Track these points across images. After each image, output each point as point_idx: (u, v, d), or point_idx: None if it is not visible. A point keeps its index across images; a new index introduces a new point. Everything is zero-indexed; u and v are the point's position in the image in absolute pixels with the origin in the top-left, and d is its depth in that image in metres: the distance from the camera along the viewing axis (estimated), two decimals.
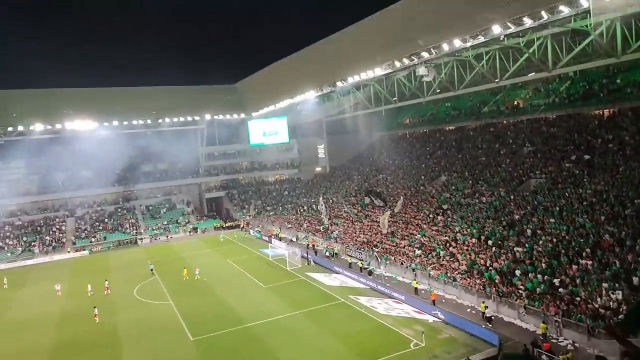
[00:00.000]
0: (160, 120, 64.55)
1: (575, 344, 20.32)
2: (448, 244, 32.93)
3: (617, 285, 21.09)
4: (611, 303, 20.52)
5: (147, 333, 27.24)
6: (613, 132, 33.81)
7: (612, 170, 29.81)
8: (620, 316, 19.37)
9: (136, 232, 61.81)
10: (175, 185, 72.69)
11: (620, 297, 20.48)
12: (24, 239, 57.85)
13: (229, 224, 65.67)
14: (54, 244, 57.63)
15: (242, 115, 69.27)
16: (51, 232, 60.10)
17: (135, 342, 26.05)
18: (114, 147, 61.60)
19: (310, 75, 48.91)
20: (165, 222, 65.03)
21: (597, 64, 30.28)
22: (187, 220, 66.35)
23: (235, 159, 77.14)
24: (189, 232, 63.15)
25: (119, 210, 66.70)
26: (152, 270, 41.31)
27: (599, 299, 21.05)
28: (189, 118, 66.17)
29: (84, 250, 56.50)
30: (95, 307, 30.59)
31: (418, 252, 34.14)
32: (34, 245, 56.34)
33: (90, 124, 59.36)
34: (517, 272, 26.00)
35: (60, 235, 59.81)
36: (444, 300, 28.01)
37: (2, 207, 61.28)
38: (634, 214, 25.01)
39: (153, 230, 62.86)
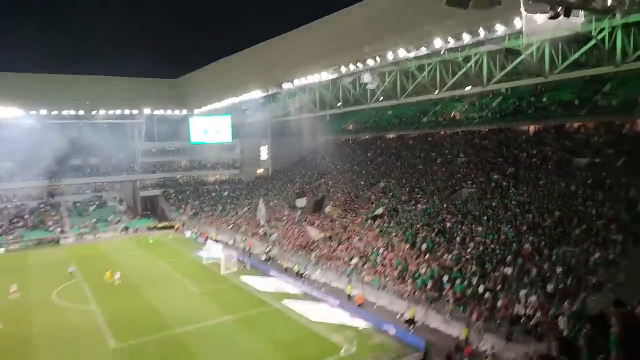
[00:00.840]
0: (94, 112, 60.80)
1: (494, 349, 21.19)
2: (383, 250, 33.46)
3: (534, 292, 22.29)
4: (526, 309, 21.66)
5: (64, 340, 25.26)
6: (537, 147, 36.00)
7: (535, 183, 31.67)
8: None
9: (60, 230, 57.74)
10: (108, 181, 68.79)
11: (535, 302, 21.68)
12: None
13: (163, 224, 63.04)
14: None
15: (184, 112, 66.86)
16: None
17: (50, 351, 24.12)
18: (40, 138, 57.27)
19: (256, 75, 48.17)
20: (94, 221, 61.25)
21: (527, 82, 32.16)
22: (118, 219, 62.94)
23: (174, 156, 74.28)
24: (120, 231, 59.93)
25: (42, 205, 62.06)
26: (71, 273, 38.14)
27: (516, 305, 22.13)
28: (126, 111, 62.71)
29: (0, 248, 51.99)
30: None
31: (355, 260, 34.39)
32: None
33: (14, 112, 54.73)
34: (445, 278, 26.83)
35: None
36: (375, 307, 28.35)
37: None
38: (552, 225, 26.64)
39: (79, 228, 58.93)
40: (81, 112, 59.78)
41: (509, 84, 34.54)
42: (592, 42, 25.83)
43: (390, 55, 31.78)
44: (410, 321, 24.92)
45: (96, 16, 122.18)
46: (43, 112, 56.64)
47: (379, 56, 32.89)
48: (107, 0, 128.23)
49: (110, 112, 61.40)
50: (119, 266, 40.44)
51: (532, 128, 39.12)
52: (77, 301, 31.99)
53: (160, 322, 27.41)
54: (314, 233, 39.27)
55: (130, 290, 34.23)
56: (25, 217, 59.03)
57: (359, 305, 28.21)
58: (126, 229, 60.56)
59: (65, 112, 58.54)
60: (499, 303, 22.91)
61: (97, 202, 66.02)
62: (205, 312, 28.81)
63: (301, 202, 48.63)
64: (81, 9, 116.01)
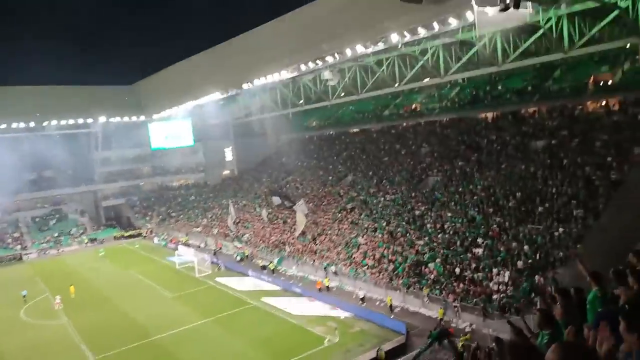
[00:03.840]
0: (45, 123, 58.24)
1: (472, 326, 22.26)
2: (357, 241, 34.16)
3: (504, 269, 23.54)
4: (499, 286, 22.87)
5: (39, 358, 24.49)
6: (496, 133, 37.68)
7: (497, 167, 33.21)
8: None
9: (20, 247, 55.20)
10: (67, 194, 66.14)
11: (506, 279, 22.91)
12: None
13: (130, 232, 61.46)
14: None
15: (142, 118, 65.11)
16: None
17: None
18: None
19: (215, 77, 47.62)
20: (56, 234, 58.89)
21: (482, 72, 33.80)
22: (81, 231, 60.78)
23: (135, 164, 72.36)
24: (85, 243, 57.91)
25: None
26: (24, 297, 34.84)
27: (490, 283, 23.30)
28: (80, 120, 60.47)
29: None
30: None
31: (329, 252, 34.92)
32: None
33: None
34: (421, 264, 27.80)
35: None
36: (354, 296, 28.99)
37: None
38: (516, 205, 28.10)
39: (41, 244, 56.53)
40: (32, 124, 57.11)
41: (465, 74, 36.09)
42: (541, 31, 27.44)
43: (348, 52, 32.47)
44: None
45: (40, 24, 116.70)
46: None
47: (337, 53, 33.51)
48: (52, 6, 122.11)
49: (63, 122, 58.96)
50: (86, 278, 39.35)
51: (490, 115, 40.86)
52: (47, 317, 30.88)
53: (138, 330, 26.94)
54: (301, 219, 39.30)
55: (101, 302, 33.29)
56: None
57: (319, 290, 30.37)
58: (92, 240, 58.56)
59: (14, 125, 55.80)
60: (473, 282, 24.03)
61: (57, 216, 63.44)
62: (183, 316, 28.53)
63: (276, 200, 48.77)
64: (25, 17, 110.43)
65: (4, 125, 54.89)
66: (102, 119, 61.27)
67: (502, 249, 25.13)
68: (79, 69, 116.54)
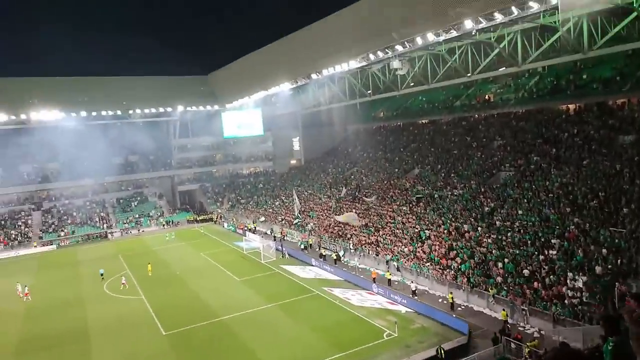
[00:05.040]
0: (130, 112, 62.88)
1: (541, 332, 21.02)
2: (421, 236, 33.43)
3: (580, 274, 21.89)
4: (574, 292, 21.32)
5: (118, 328, 26.77)
6: (579, 126, 34.89)
7: (578, 164, 30.79)
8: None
9: (106, 226, 60.36)
10: (147, 177, 71.17)
11: (581, 284, 21.31)
12: None
13: (202, 217, 64.90)
14: (19, 238, 55.75)
15: (216, 107, 68.18)
16: (17, 226, 58.08)
17: (106, 338, 25.57)
18: (83, 139, 59.79)
19: (284, 67, 48.55)
20: (137, 216, 63.70)
21: (565, 59, 31.15)
22: (159, 214, 65.17)
23: (209, 151, 76.04)
24: (162, 225, 62.06)
25: (88, 203, 64.88)
26: (102, 275, 37.49)
27: (563, 288, 21.80)
28: (161, 109, 64.65)
29: (51, 244, 54.87)
30: None
31: (393, 246, 34.52)
32: None
33: (56, 114, 57.14)
34: (488, 262, 26.64)
35: (27, 229, 57.88)
36: (417, 291, 28.49)
37: None
38: (597, 206, 25.93)
39: (124, 223, 61.50)
40: (119, 112, 61.83)
41: (545, 62, 33.54)
42: (634, 14, 24.83)
43: (419, 40, 31.45)
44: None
45: (124, 22, 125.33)
46: (83, 113, 58.86)
47: (407, 42, 32.59)
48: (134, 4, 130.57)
49: (146, 110, 63.37)
50: (162, 259, 42.14)
51: (572, 107, 37.87)
52: (126, 292, 33.55)
53: (206, 310, 28.50)
54: (354, 219, 39.45)
55: (174, 282, 35.60)
56: (74, 214, 61.92)
57: (373, 279, 30.61)
58: (168, 222, 62.65)
59: (104, 113, 60.67)
60: (543, 285, 22.64)
61: (138, 198, 68.47)
62: (249, 300, 29.70)
63: (342, 191, 49.09)
64: (110, 17, 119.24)
65: (94, 113, 59.81)
66: (180, 107, 64.93)
67: (579, 251, 23.35)
68: (161, 60, 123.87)
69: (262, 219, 55.34)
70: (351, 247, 37.40)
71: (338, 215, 42.55)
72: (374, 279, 30.80)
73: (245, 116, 70.55)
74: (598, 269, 21.66)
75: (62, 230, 58.05)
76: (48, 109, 56.13)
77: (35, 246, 54.06)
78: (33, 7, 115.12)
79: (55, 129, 58.56)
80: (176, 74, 71.52)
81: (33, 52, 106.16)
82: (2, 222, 58.36)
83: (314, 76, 45.80)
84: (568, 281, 21.93)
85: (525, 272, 24.22)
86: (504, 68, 35.84)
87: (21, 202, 62.45)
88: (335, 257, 36.60)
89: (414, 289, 27.82)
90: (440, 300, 26.84)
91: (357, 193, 46.89)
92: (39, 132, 58.66)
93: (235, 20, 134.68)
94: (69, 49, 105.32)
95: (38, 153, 61.65)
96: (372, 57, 37.06)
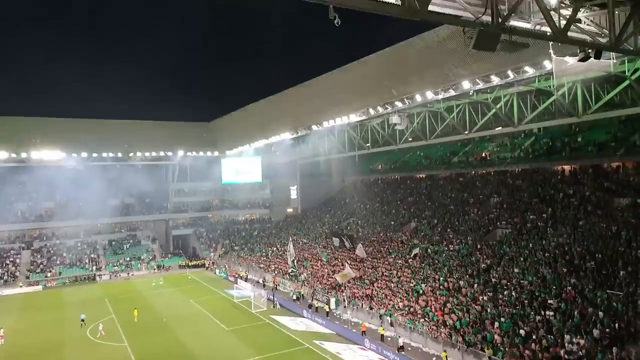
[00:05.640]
0: (131, 154, 63.36)
1: None
2: (416, 291, 32.77)
3: (578, 336, 21.29)
4: (571, 356, 20.63)
5: None
6: (574, 187, 35.22)
7: (574, 224, 30.78)
8: None
9: (95, 268, 59.09)
10: (142, 220, 70.57)
11: (579, 346, 20.65)
12: None
13: (194, 262, 63.75)
14: (5, 277, 54.38)
15: (216, 154, 68.88)
16: (4, 265, 56.82)
17: None
18: (80, 179, 59.81)
19: (286, 118, 49.54)
20: (128, 259, 62.54)
21: (560, 122, 31.99)
22: (151, 257, 64.04)
23: (206, 196, 75.98)
24: (154, 269, 60.81)
25: (79, 244, 63.86)
26: (83, 320, 35.76)
27: (561, 351, 21.12)
28: (162, 153, 65.14)
29: (38, 285, 53.44)
30: None
31: (387, 300, 33.74)
32: None
33: (57, 154, 57.32)
34: (484, 322, 25.95)
35: (14, 268, 56.56)
36: (410, 348, 27.55)
37: None
38: (594, 267, 25.67)
39: (114, 266, 60.25)
40: (119, 155, 62.25)
41: (541, 124, 34.47)
42: (626, 82, 25.75)
43: (418, 97, 32.37)
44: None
45: (130, 64, 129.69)
46: (84, 154, 59.08)
47: (407, 98, 33.53)
48: (142, 49, 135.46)
49: (147, 154, 63.84)
50: (149, 304, 40.87)
51: (567, 168, 38.43)
52: (110, 338, 32.28)
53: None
54: (349, 271, 38.75)
55: (161, 329, 34.37)
56: (64, 254, 60.76)
57: (363, 332, 29.94)
58: (158, 267, 61.43)
59: (105, 155, 61.04)
60: (540, 347, 21.93)
61: (131, 241, 67.54)
62: (237, 351, 28.58)
63: (336, 241, 48.60)
64: (111, 59, 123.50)
65: (95, 154, 60.19)
66: (180, 152, 65.50)
67: (576, 313, 22.85)
68: (163, 106, 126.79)
69: (259, 266, 54.28)
70: (345, 299, 36.52)
71: (338, 272, 41.68)
72: (364, 331, 29.90)
73: (245, 163, 71.05)
74: (595, 332, 21.10)
75: (50, 271, 56.75)
76: (49, 148, 56.41)
77: (20, 286, 52.58)
78: (44, 51, 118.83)
79: (53, 168, 58.68)
80: (179, 119, 72.88)
81: (39, 90, 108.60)
82: None
83: (314, 127, 46.68)
84: (566, 344, 21.27)
85: (522, 332, 23.55)
86: (501, 128, 36.66)
87: (12, 241, 61.46)
88: (326, 310, 35.66)
89: (401, 344, 27.05)
90: (434, 358, 25.89)
91: (347, 244, 46.23)
92: (37, 171, 58.80)
93: (242, 69, 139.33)
94: (77, 90, 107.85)
95: (35, 191, 61.61)
96: (372, 111, 38.00)
